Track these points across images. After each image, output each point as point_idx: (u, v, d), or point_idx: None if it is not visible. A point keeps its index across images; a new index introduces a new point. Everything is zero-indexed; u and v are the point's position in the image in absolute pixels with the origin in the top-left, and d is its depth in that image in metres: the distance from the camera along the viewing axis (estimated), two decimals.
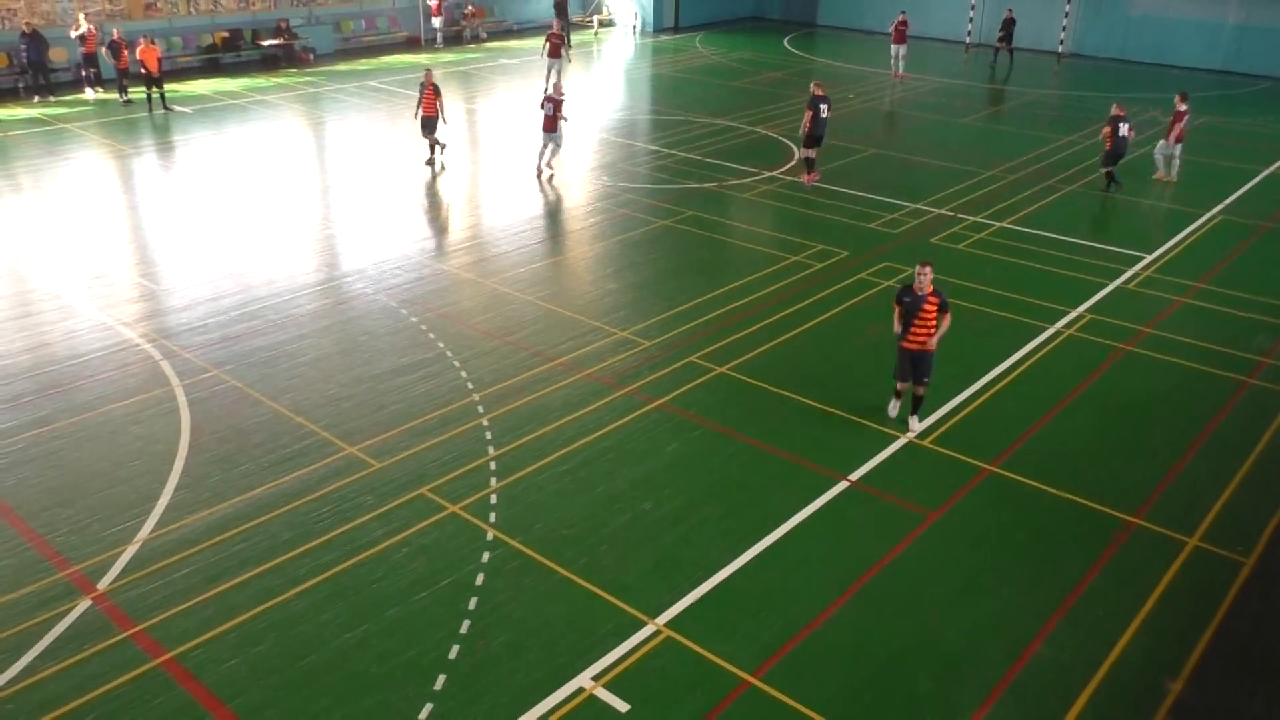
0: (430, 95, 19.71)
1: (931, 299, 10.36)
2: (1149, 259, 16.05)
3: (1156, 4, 33.39)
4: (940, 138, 23.90)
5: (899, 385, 10.98)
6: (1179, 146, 19.66)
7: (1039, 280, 15.11)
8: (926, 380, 10.72)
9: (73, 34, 26.42)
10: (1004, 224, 17.60)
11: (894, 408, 11.18)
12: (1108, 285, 14.97)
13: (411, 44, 35.13)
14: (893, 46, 30.39)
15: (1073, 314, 13.94)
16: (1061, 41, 34.76)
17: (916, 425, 10.95)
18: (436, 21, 34.90)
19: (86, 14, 27.08)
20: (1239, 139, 24.13)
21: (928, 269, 10.31)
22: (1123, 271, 15.50)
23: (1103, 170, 19.64)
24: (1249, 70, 32.06)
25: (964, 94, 29.13)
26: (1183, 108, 19.36)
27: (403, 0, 35.15)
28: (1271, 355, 12.90)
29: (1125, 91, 29.28)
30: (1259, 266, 16.02)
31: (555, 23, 28.12)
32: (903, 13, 30.83)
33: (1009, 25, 32.33)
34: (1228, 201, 19.19)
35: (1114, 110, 19.05)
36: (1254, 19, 31.79)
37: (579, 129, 24.09)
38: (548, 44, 27.84)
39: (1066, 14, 34.46)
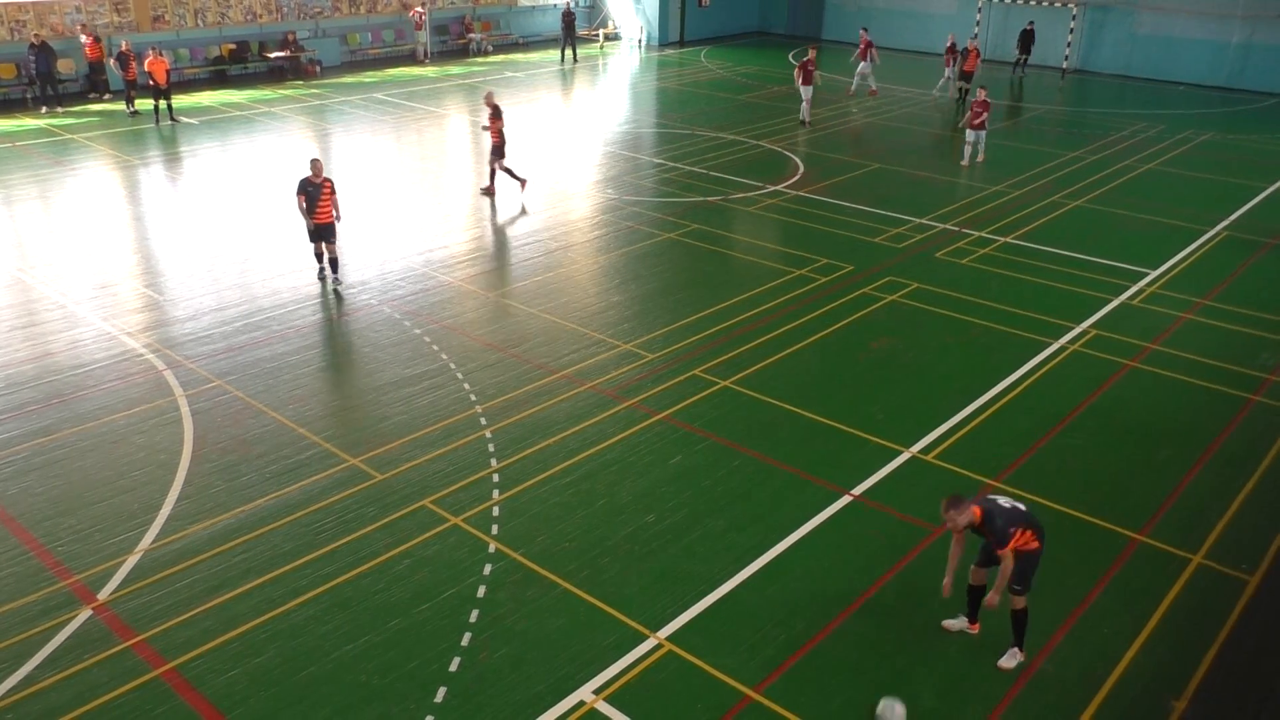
0: (328, 193, 14.67)
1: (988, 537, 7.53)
2: (1153, 275, 16.04)
3: (1161, 22, 33.45)
4: (944, 152, 23.93)
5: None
6: (980, 134, 22.24)
7: (1043, 295, 15.10)
8: (1015, 589, 7.61)
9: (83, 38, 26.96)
10: (1008, 239, 17.61)
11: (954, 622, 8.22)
12: (1112, 301, 14.96)
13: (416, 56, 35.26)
14: (860, 64, 29.59)
15: (1077, 329, 13.92)
16: (1066, 58, 34.83)
17: (1010, 661, 7.91)
18: (422, 35, 34.35)
19: (83, 26, 27.29)
20: (1243, 155, 24.15)
21: (950, 511, 7.45)
22: (1127, 287, 15.49)
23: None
24: (1253, 87, 32.09)
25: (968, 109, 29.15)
26: (982, 97, 22.23)
27: (409, 14, 35.28)
28: (1277, 372, 12.87)
29: (1129, 108, 29.35)
30: (1264, 283, 15.99)
31: (810, 49, 26.92)
32: (863, 29, 30.93)
33: (1028, 39, 32.59)
34: (1232, 217, 19.19)
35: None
36: (1258, 37, 31.84)
37: (585, 143, 24.18)
38: (800, 72, 25.73)
39: (1072, 30, 34.55)
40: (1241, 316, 14.52)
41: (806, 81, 25.61)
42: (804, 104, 25.86)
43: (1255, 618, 8.48)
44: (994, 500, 7.60)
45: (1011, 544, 7.38)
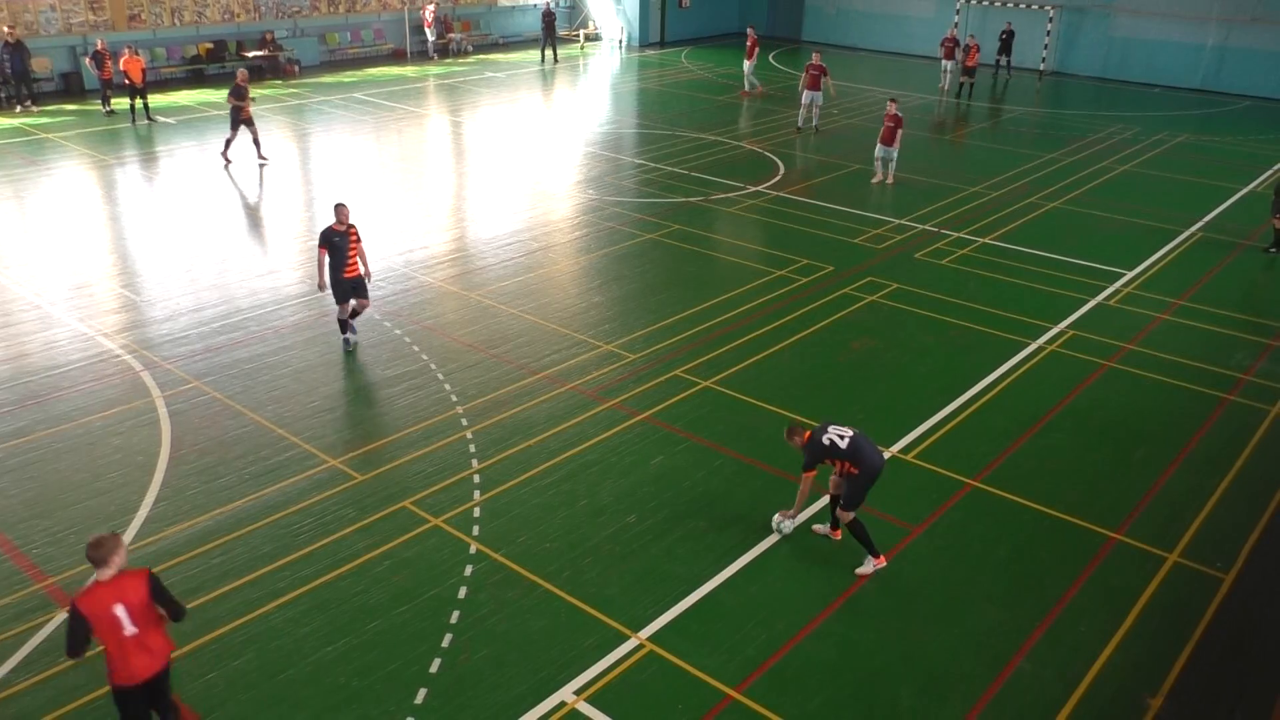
0: (355, 242, 12.54)
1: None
2: (1130, 275, 16.18)
3: (1138, 24, 33.77)
4: (922, 154, 24.02)
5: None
6: (892, 149, 20.65)
7: (1021, 296, 15.20)
8: (841, 504, 8.97)
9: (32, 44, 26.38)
10: (987, 240, 17.71)
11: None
12: (1089, 301, 15.08)
13: (397, 57, 35.15)
14: (745, 63, 30.01)
15: (1055, 330, 14.02)
16: (1043, 60, 35.09)
17: (867, 567, 8.97)
18: (430, 33, 34.91)
19: (10, 27, 26.17)
20: (1218, 157, 24.39)
21: (792, 438, 8.99)
22: (1104, 288, 15.61)
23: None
24: (1228, 89, 32.44)
25: (946, 111, 29.34)
26: (893, 110, 20.47)
27: (388, 13, 35.19)
28: (1251, 372, 13.01)
29: (1105, 110, 29.59)
30: (1239, 283, 16.18)
31: (815, 54, 25.36)
32: (750, 27, 31.79)
33: (1008, 39, 33.14)
34: (1208, 218, 19.38)
35: (969, 42, 29.56)
36: (1233, 40, 32.19)
37: (566, 143, 24.17)
38: (806, 75, 24.79)
39: (1048, 32, 34.81)
40: (1217, 316, 14.67)
41: (813, 87, 24.61)
42: (801, 108, 25.46)
43: (1230, 615, 8.57)
44: (822, 435, 8.71)
45: (812, 471, 8.82)
